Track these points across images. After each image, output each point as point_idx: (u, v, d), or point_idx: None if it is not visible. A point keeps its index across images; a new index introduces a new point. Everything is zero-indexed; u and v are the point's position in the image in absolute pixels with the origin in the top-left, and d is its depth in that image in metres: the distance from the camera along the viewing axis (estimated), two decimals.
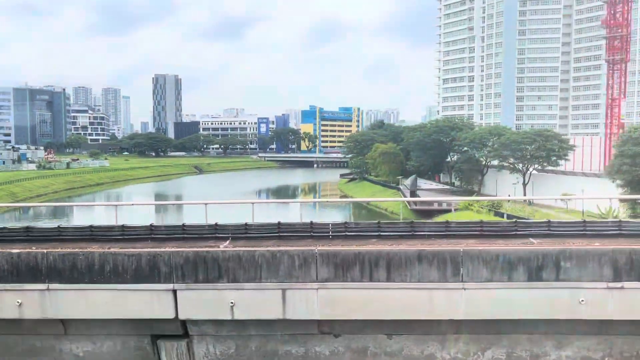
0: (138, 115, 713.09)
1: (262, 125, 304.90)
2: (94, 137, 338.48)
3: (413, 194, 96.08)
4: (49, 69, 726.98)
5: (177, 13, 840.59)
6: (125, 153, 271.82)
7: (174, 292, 16.55)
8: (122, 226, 19.71)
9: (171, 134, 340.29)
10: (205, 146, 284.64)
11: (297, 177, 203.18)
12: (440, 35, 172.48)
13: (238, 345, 16.89)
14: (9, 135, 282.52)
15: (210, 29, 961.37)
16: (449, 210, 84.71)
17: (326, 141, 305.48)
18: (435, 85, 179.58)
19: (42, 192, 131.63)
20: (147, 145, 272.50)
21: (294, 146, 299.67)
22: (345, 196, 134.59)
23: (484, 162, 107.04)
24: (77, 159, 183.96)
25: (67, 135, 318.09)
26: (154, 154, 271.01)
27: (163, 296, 16.52)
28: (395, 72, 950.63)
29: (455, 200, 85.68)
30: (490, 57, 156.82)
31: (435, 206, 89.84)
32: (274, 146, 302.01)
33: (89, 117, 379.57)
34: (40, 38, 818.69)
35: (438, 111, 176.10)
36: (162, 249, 17.05)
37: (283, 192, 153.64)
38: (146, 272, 16.54)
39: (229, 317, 16.49)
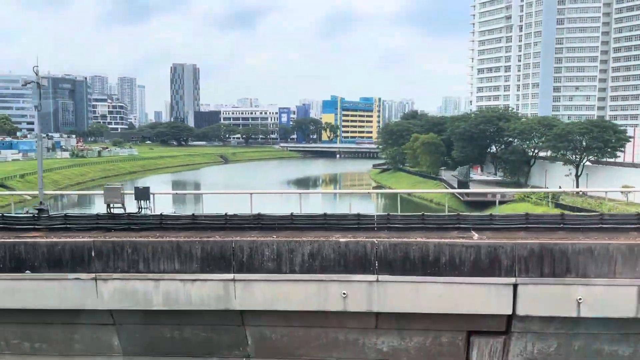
0: (151, 105, 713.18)
1: (283, 115, 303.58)
2: (113, 126, 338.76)
3: (464, 184, 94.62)
4: (64, 59, 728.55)
5: (191, 2, 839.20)
6: (148, 142, 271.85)
7: (515, 286, 15.66)
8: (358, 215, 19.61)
9: (190, 124, 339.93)
10: (227, 136, 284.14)
11: (323, 168, 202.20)
12: (474, 24, 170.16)
13: (560, 344, 15.97)
14: (32, 123, 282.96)
15: (224, 18, 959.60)
16: (503, 202, 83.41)
17: (347, 131, 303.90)
18: (468, 75, 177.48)
19: (81, 179, 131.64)
20: (170, 134, 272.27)
21: (314, 136, 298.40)
22: (380, 187, 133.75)
23: (531, 153, 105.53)
24: (107, 148, 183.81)
25: (88, 124, 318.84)
26: (175, 143, 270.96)
27: (502, 291, 15.67)
28: (408, 62, 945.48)
29: (511, 192, 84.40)
30: (528, 47, 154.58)
31: (489, 197, 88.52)
32: (294, 136, 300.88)
33: (108, 106, 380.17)
34: (55, 27, 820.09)
35: (471, 101, 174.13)
36: (502, 241, 16.29)
37: (320, 182, 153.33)
38: (485, 265, 15.69)
39: (574, 315, 15.59)
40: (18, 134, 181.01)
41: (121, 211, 19.99)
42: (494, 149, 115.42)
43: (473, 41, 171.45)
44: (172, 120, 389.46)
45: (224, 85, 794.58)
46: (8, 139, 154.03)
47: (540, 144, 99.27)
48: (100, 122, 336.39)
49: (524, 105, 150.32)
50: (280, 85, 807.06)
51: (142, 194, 19.31)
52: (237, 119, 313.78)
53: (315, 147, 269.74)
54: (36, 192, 24.18)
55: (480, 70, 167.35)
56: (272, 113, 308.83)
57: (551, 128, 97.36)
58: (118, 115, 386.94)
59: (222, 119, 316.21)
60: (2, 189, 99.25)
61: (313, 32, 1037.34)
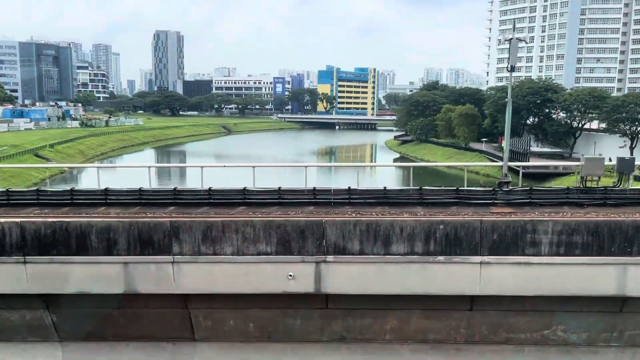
0: (126, 74, 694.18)
1: (278, 85, 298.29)
2: (95, 95, 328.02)
3: (523, 156, 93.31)
4: (32, 25, 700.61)
5: None
6: (140, 112, 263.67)
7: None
8: None
9: (179, 93, 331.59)
10: (222, 106, 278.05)
11: (333, 139, 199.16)
12: None
13: None
14: (15, 91, 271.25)
15: None
16: (564, 174, 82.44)
17: (342, 102, 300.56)
18: (485, 45, 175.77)
19: (102, 150, 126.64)
20: (164, 103, 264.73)
21: (307, 107, 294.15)
22: (403, 159, 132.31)
23: (576, 125, 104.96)
24: (111, 117, 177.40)
25: (74, 92, 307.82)
26: (169, 112, 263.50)
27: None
28: (386, 33, 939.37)
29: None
30: (554, 17, 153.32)
31: (551, 169, 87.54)
32: (289, 107, 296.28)
33: (89, 73, 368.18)
34: None
35: (487, 72, 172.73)
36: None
37: (349, 154, 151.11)
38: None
39: None
40: (26, 101, 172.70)
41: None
42: (527, 121, 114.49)
43: (491, 11, 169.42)
44: (155, 89, 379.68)
45: (201, 53, 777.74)
46: (19, 107, 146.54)
47: (592, 115, 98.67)
48: (82, 90, 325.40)
49: (547, 77, 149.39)
50: (257, 55, 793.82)
51: (627, 166, 16.98)
52: (230, 88, 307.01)
53: (313, 118, 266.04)
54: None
55: (500, 41, 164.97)
56: (267, 83, 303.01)
57: (602, 99, 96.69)
58: (100, 84, 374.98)
59: (214, 89, 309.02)
60: (38, 159, 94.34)
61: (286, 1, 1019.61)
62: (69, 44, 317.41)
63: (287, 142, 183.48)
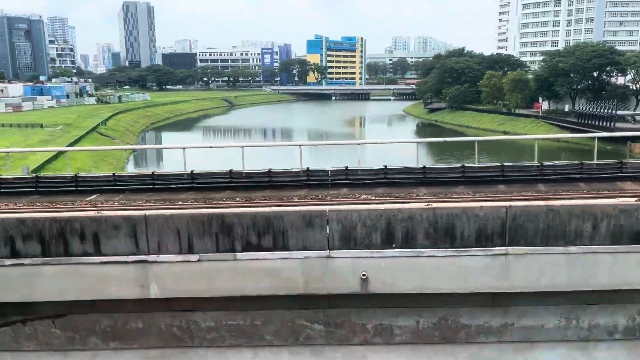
0: (79, 48, 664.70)
1: (266, 56, 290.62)
2: (72, 71, 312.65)
3: (606, 120, 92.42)
4: None
5: None
6: (127, 87, 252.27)
7: None
8: None
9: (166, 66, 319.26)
10: (211, 79, 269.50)
11: (349, 109, 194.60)
12: None
13: None
14: None
15: None
16: None
17: (331, 72, 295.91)
18: (499, 12, 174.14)
19: (136, 128, 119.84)
20: (153, 78, 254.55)
21: (297, 79, 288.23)
22: (443, 130, 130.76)
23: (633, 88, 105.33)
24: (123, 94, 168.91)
25: (48, 68, 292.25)
26: (156, 87, 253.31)
27: None
28: (349, 2, 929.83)
29: None
30: None
31: None
32: (277, 79, 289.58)
33: (57, 48, 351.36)
34: None
35: (506, 38, 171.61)
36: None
37: (379, 125, 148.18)
38: None
39: None
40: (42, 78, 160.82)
41: None
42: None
43: None
44: (127, 64, 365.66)
45: (161, 26, 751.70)
46: (38, 84, 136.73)
47: None
48: (53, 66, 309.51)
49: (575, 41, 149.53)
50: (217, 27, 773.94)
51: None
52: (215, 60, 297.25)
53: (307, 89, 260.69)
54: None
55: (526, 6, 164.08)
56: (254, 54, 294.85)
57: None
58: (68, 58, 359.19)
59: (198, 62, 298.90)
60: (105, 138, 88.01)
61: None
62: (40, 16, 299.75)
63: (303, 114, 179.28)
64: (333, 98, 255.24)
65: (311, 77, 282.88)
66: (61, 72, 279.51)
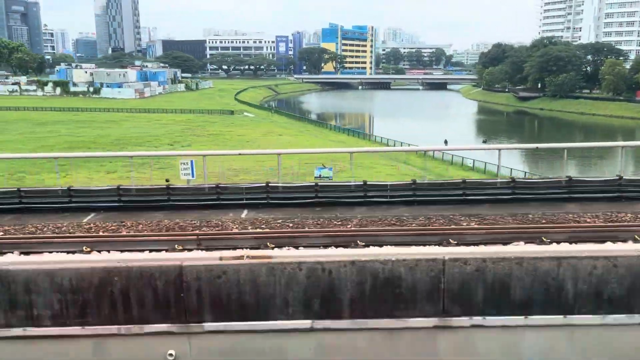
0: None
1: (280, 44, 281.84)
2: (73, 57, 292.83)
3: None
4: None
5: None
6: None
7: None
8: None
9: (159, 54, 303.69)
10: (234, 67, 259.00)
11: (402, 100, 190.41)
12: None
13: None
14: None
15: None
16: None
17: (345, 61, 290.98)
18: None
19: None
20: (175, 65, 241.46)
21: (313, 68, 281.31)
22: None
23: None
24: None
25: (43, 53, 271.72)
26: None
27: None
28: None
29: None
30: None
31: None
32: (291, 67, 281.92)
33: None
34: None
35: (577, 28, 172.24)
36: None
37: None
38: None
39: None
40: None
41: None
42: None
43: None
44: (110, 51, 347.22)
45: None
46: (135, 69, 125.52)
47: None
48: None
49: (607, 27, 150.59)
50: (179, 15, 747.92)
51: None
52: (226, 48, 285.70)
53: (332, 78, 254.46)
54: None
55: None
56: (268, 42, 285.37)
57: None
58: (49, 44, 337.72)
59: (208, 49, 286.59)
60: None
61: None
62: None
63: (373, 104, 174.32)
64: (360, 87, 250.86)
65: (329, 66, 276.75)
66: (62, 57, 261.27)
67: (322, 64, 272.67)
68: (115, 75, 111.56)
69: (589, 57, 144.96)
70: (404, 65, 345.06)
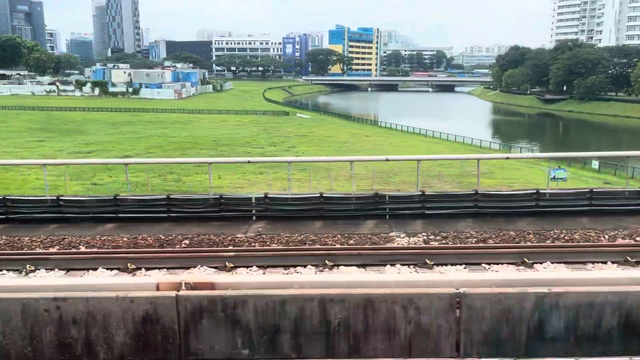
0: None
1: (287, 45, 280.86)
2: (77, 58, 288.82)
3: None
4: None
5: None
6: None
7: None
8: None
9: (162, 54, 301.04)
10: (244, 68, 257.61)
11: (416, 102, 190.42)
12: None
13: None
14: None
15: None
16: None
17: (352, 63, 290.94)
18: None
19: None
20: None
21: (320, 70, 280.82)
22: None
23: None
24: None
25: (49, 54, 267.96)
26: None
27: None
28: None
29: None
30: None
31: None
32: (297, 69, 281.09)
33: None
34: None
35: (598, 31, 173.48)
36: None
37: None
38: None
39: None
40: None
41: None
42: None
43: None
44: (110, 51, 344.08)
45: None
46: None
47: None
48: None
49: (631, 29, 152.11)
50: (178, 15, 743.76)
51: None
52: (232, 49, 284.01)
53: (341, 80, 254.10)
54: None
55: None
56: (275, 43, 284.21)
57: None
58: (48, 45, 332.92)
59: (214, 50, 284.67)
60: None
61: None
62: None
63: (395, 106, 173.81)
64: (369, 89, 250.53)
65: (336, 68, 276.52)
66: (65, 59, 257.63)
67: (330, 66, 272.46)
68: (155, 76, 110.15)
69: (615, 59, 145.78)
70: (404, 67, 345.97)
